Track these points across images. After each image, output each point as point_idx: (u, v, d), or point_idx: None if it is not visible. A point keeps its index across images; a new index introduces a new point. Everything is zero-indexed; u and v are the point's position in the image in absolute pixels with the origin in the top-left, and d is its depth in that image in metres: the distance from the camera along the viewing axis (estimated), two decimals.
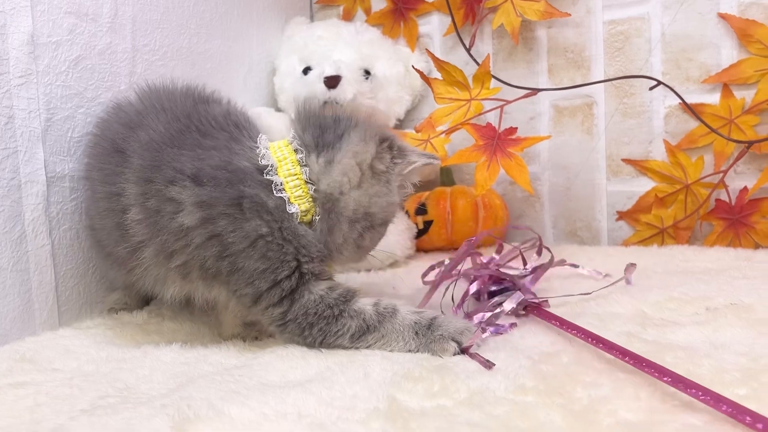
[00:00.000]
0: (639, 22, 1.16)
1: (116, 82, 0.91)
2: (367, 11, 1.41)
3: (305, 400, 0.50)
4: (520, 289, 0.73)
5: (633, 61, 1.17)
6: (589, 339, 0.59)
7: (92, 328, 0.79)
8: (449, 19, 1.27)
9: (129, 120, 0.73)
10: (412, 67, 1.23)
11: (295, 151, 0.68)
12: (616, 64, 1.18)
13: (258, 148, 0.68)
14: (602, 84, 1.19)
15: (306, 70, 1.22)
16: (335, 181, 0.66)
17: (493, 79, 1.09)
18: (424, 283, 0.88)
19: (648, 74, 1.11)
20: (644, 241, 1.17)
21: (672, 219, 1.14)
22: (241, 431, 0.46)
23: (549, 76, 1.25)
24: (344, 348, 0.63)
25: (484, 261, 0.85)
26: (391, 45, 1.32)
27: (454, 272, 0.80)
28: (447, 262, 0.86)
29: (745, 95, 1.07)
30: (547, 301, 0.74)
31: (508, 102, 1.08)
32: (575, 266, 0.89)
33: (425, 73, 1.17)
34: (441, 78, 1.10)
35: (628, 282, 0.83)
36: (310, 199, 0.66)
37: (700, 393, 0.45)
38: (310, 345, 0.64)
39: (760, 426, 0.40)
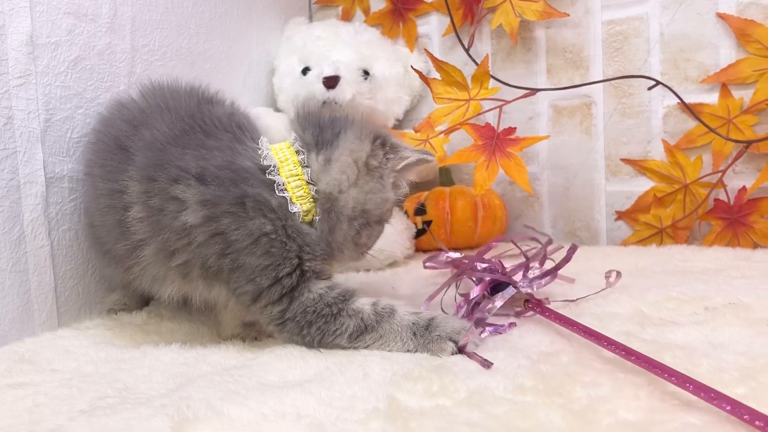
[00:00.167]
0: (638, 22, 1.16)
1: (115, 83, 0.91)
2: (366, 11, 1.41)
3: (304, 400, 0.50)
4: (512, 285, 0.73)
5: (632, 61, 1.17)
6: (593, 337, 0.59)
7: (91, 328, 0.79)
8: (448, 19, 1.27)
9: (133, 118, 0.73)
10: (411, 67, 1.23)
11: (297, 152, 0.68)
12: (614, 64, 1.19)
13: (260, 149, 0.68)
14: (601, 84, 1.19)
15: (305, 71, 1.22)
16: (334, 180, 0.67)
17: (491, 79, 1.09)
18: (426, 267, 0.89)
19: (647, 74, 1.12)
20: (643, 241, 1.17)
21: (671, 219, 1.14)
22: (240, 431, 0.46)
23: (548, 76, 1.25)
24: (343, 348, 0.64)
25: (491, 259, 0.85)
26: (390, 45, 1.32)
27: (461, 268, 0.80)
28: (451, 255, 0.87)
29: (744, 95, 1.07)
30: (547, 298, 0.74)
31: (507, 102, 1.09)
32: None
33: (424, 73, 1.17)
34: (440, 78, 1.10)
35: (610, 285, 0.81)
36: (312, 200, 0.67)
37: (707, 393, 0.45)
38: (309, 344, 0.64)
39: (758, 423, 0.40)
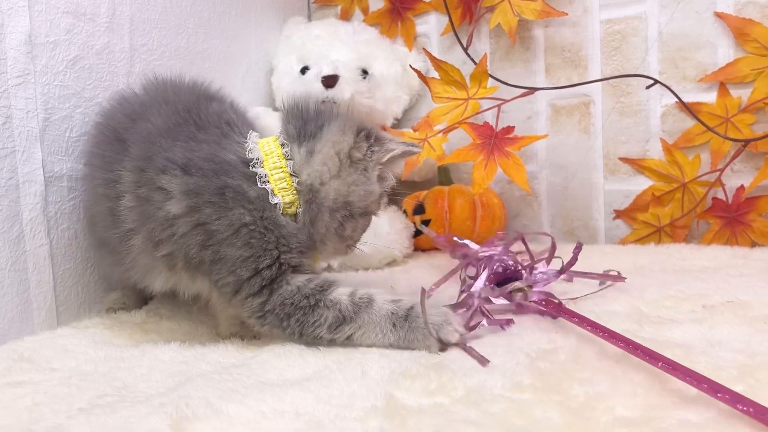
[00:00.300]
0: (636, 21, 1.16)
1: (114, 82, 0.91)
2: (365, 11, 1.41)
3: (303, 398, 0.50)
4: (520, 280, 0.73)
5: (630, 60, 1.17)
6: (628, 346, 0.55)
7: (90, 327, 0.79)
8: (447, 18, 1.27)
9: (132, 111, 0.75)
10: (410, 66, 1.23)
11: (282, 145, 0.69)
12: (613, 63, 1.19)
13: (247, 143, 0.70)
14: (599, 83, 1.19)
15: (304, 70, 1.22)
16: (316, 171, 0.67)
17: (490, 79, 1.09)
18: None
19: (645, 73, 1.12)
20: (641, 240, 1.17)
21: (669, 217, 1.14)
22: (239, 429, 0.46)
23: (546, 76, 1.25)
24: (324, 339, 0.64)
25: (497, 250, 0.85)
26: (388, 44, 1.32)
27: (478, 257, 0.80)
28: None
29: (742, 94, 1.07)
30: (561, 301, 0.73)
31: (506, 101, 1.09)
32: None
33: (423, 72, 1.17)
34: (438, 77, 1.10)
35: (602, 285, 0.81)
36: (294, 192, 0.68)
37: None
38: (290, 336, 0.65)
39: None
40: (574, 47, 1.22)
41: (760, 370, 0.50)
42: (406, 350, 0.62)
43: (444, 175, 1.29)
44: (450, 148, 1.16)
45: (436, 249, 1.23)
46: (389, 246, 1.12)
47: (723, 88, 1.09)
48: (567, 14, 1.17)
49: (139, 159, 0.69)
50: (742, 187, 1.07)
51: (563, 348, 0.59)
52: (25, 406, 0.53)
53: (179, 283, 0.72)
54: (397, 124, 1.36)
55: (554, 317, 0.70)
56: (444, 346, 0.61)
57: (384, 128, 1.25)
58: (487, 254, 0.80)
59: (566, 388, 0.49)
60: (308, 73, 1.21)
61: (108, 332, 0.77)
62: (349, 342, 0.64)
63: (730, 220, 1.09)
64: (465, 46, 1.19)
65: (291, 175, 0.68)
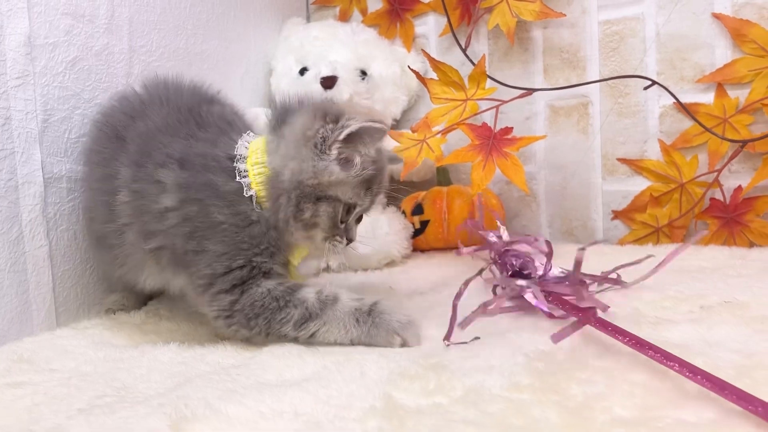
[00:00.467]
0: (634, 22, 1.16)
1: (113, 83, 0.91)
2: (364, 12, 1.41)
3: (302, 398, 0.50)
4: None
5: (628, 61, 1.17)
6: (681, 367, 0.50)
7: (90, 328, 0.79)
8: (445, 19, 1.27)
9: (132, 109, 0.76)
10: (408, 67, 1.24)
11: (268, 141, 0.70)
12: (611, 64, 1.19)
13: (240, 140, 0.71)
14: (597, 84, 1.19)
15: (302, 71, 1.22)
16: (279, 156, 0.68)
17: (488, 80, 1.09)
18: (462, 253, 0.91)
19: (643, 74, 1.12)
20: (639, 240, 1.17)
21: (667, 218, 1.15)
22: (238, 430, 0.46)
23: (544, 76, 1.25)
24: (289, 336, 0.65)
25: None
26: (387, 45, 1.32)
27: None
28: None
29: (739, 95, 1.08)
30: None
31: (504, 102, 1.09)
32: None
33: (421, 73, 1.17)
34: (437, 78, 1.10)
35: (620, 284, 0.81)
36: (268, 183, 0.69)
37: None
38: (257, 335, 0.66)
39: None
40: (573, 48, 1.22)
41: (757, 370, 0.50)
42: (351, 344, 0.65)
43: (443, 176, 1.29)
44: (449, 149, 1.16)
45: (434, 249, 1.24)
46: (388, 247, 1.12)
47: (721, 88, 1.09)
48: (565, 15, 1.17)
49: (137, 155, 0.70)
50: (739, 187, 1.08)
51: (561, 348, 0.59)
52: (25, 407, 0.53)
53: (166, 281, 0.73)
54: (396, 125, 1.36)
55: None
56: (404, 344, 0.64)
57: None
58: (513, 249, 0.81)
59: (564, 388, 0.50)
60: (307, 74, 1.21)
61: (107, 333, 0.77)
62: (313, 339, 0.65)
63: (728, 220, 1.09)
64: (463, 47, 1.19)
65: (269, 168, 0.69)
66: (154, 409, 0.49)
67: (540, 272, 0.79)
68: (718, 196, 1.10)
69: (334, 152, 0.67)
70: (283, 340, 0.66)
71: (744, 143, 1.05)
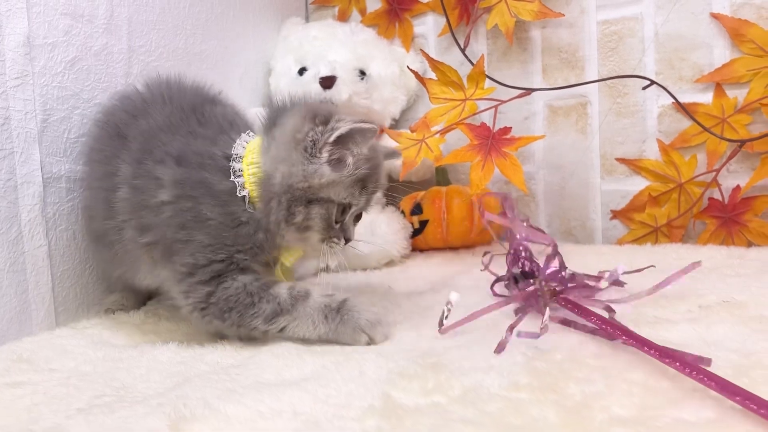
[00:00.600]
0: (632, 22, 1.16)
1: (112, 83, 0.91)
2: (363, 12, 1.41)
3: (301, 398, 0.50)
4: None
5: (626, 60, 1.17)
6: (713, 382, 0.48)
7: (89, 328, 0.80)
8: (444, 19, 1.27)
9: (134, 108, 0.77)
10: (407, 67, 1.24)
11: (262, 143, 0.71)
12: (609, 64, 1.19)
13: (237, 140, 0.72)
14: (596, 84, 1.19)
15: (301, 71, 1.22)
16: (271, 158, 0.68)
17: (487, 79, 1.10)
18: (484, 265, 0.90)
19: (641, 74, 1.12)
20: (638, 240, 1.17)
21: (666, 218, 1.15)
22: (237, 429, 0.46)
23: (543, 76, 1.25)
24: (259, 330, 0.67)
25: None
26: (386, 45, 1.32)
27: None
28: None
29: (738, 94, 1.08)
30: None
31: (503, 102, 1.09)
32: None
33: (420, 73, 1.17)
34: (436, 78, 1.10)
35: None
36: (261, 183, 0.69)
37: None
38: (229, 327, 0.68)
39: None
40: (571, 48, 1.22)
41: (754, 369, 0.50)
42: (319, 340, 0.66)
43: (441, 176, 1.29)
44: (447, 149, 1.17)
45: (433, 249, 1.24)
46: (387, 246, 1.12)
47: (719, 88, 1.09)
48: (564, 15, 1.17)
49: (138, 152, 0.71)
50: (738, 187, 1.08)
51: (559, 348, 0.59)
52: (24, 407, 0.53)
53: (159, 277, 0.73)
54: (395, 124, 1.36)
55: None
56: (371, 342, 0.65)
57: (382, 129, 1.25)
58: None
59: (562, 388, 0.50)
60: (306, 74, 1.21)
61: (106, 333, 0.77)
62: (282, 333, 0.66)
63: (726, 220, 1.09)
64: (462, 47, 1.19)
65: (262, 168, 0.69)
66: (153, 408, 0.49)
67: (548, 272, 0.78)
68: (717, 195, 1.10)
69: (325, 155, 0.66)
70: (253, 333, 0.67)
71: (742, 143, 1.06)
